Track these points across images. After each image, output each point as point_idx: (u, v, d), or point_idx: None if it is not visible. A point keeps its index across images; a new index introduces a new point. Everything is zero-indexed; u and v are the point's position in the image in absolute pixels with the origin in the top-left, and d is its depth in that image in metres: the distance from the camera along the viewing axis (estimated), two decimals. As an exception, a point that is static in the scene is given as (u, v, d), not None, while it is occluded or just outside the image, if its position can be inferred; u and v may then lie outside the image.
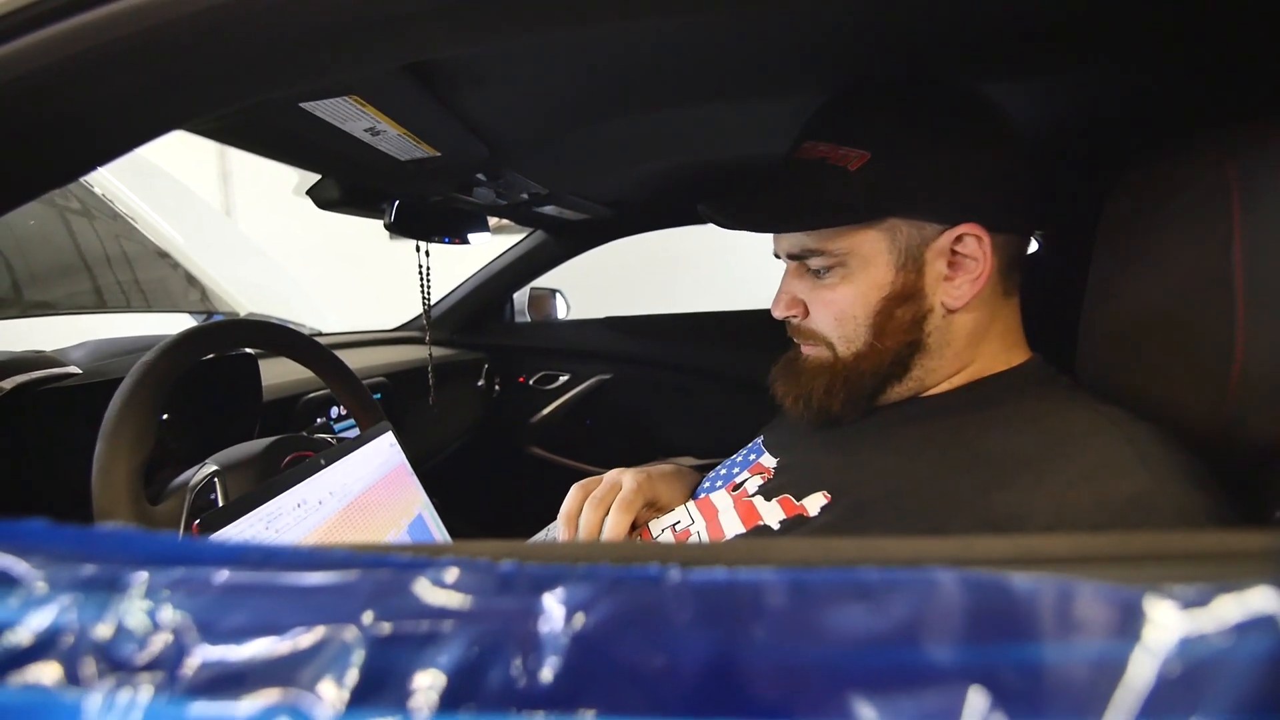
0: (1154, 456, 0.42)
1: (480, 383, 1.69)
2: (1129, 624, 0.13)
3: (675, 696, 0.14)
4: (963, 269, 0.51)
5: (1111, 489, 0.40)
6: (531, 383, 1.74)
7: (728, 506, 0.57)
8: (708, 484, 0.67)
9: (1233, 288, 0.42)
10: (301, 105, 0.55)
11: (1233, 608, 0.12)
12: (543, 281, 1.72)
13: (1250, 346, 0.42)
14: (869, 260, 0.51)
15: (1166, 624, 0.13)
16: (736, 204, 0.57)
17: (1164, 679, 0.12)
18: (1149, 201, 0.51)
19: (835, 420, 0.56)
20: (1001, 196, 0.51)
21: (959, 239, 0.50)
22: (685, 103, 0.76)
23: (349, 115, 0.59)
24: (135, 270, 1.55)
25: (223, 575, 0.18)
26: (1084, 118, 0.82)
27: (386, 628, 0.16)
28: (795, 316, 0.57)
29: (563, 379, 1.73)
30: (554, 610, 0.15)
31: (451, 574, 0.16)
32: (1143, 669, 0.12)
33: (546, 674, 0.14)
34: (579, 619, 0.15)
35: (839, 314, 0.53)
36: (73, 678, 0.17)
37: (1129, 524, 0.38)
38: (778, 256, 0.58)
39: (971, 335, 0.53)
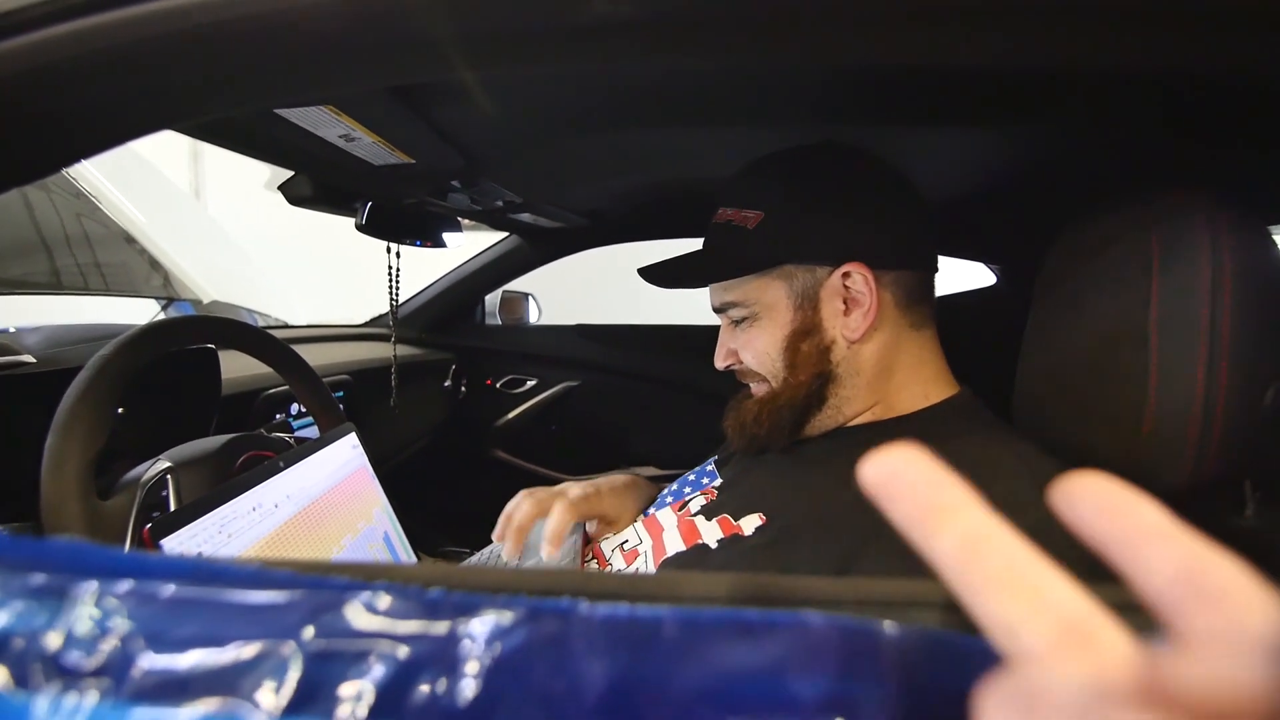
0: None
1: (447, 383, 1.69)
2: (964, 667, 0.15)
3: (578, 718, 0.15)
4: (856, 304, 0.57)
5: (1012, 522, 0.43)
6: (498, 386, 1.74)
7: (671, 525, 0.59)
8: (658, 501, 0.69)
9: (1149, 342, 0.46)
10: (276, 111, 0.56)
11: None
12: (516, 285, 1.72)
13: (1161, 399, 0.45)
14: (773, 306, 0.58)
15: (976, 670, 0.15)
16: (664, 267, 0.65)
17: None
18: (1083, 255, 0.54)
19: (763, 447, 0.62)
20: (882, 237, 0.57)
21: (846, 275, 0.56)
22: (661, 124, 0.78)
23: (323, 122, 0.59)
24: (95, 251, 1.51)
25: (170, 589, 0.19)
26: (1046, 163, 0.87)
27: (322, 644, 0.17)
28: (733, 364, 0.63)
29: (530, 383, 1.73)
30: (476, 635, 0.16)
31: (384, 600, 0.17)
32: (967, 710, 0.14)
33: (465, 693, 0.16)
34: (497, 645, 0.16)
35: (757, 355, 0.60)
36: (21, 681, 0.18)
37: None
38: (712, 310, 0.66)
39: (879, 365, 0.58)
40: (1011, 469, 0.47)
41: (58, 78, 0.34)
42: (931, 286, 0.62)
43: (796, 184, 0.58)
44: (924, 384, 0.59)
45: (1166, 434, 0.46)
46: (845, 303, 0.57)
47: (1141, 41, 0.31)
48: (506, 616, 0.16)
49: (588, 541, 0.67)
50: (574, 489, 0.66)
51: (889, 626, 0.16)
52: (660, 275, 0.64)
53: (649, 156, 0.96)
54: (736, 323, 0.61)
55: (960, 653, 0.16)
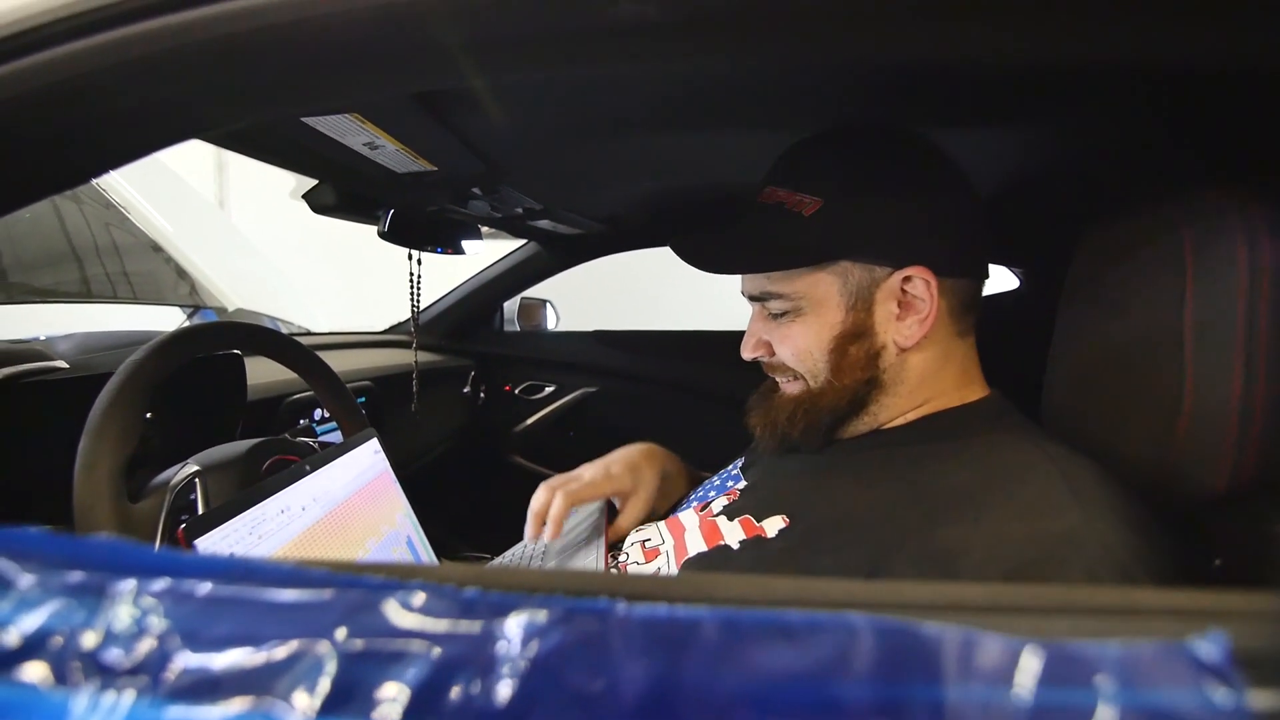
0: (1087, 494, 0.44)
1: (466, 389, 1.70)
2: (1010, 670, 0.14)
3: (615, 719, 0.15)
4: (912, 309, 0.54)
5: (1044, 525, 0.42)
6: (517, 392, 1.75)
7: (694, 526, 0.59)
8: (683, 504, 0.68)
9: (1183, 344, 0.45)
10: (303, 120, 0.57)
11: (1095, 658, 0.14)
12: (534, 292, 1.73)
13: (1197, 402, 0.44)
14: (821, 302, 0.55)
15: (1031, 673, 0.14)
16: (703, 245, 0.60)
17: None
18: (1111, 257, 0.53)
19: (793, 447, 0.59)
20: (948, 241, 0.54)
21: (907, 280, 0.53)
22: (680, 130, 0.78)
23: (349, 130, 0.60)
24: (124, 261, 1.55)
25: (206, 587, 0.19)
26: (1069, 163, 0.85)
27: (357, 644, 0.17)
28: (763, 356, 0.60)
29: (548, 389, 1.73)
30: (512, 635, 0.16)
31: (419, 598, 0.17)
32: (1018, 712, 0.14)
33: (502, 693, 0.16)
34: (534, 644, 0.16)
35: (797, 350, 0.56)
36: (61, 678, 0.18)
37: (1058, 559, 0.40)
38: (745, 296, 0.61)
39: (924, 373, 0.56)
40: (1044, 471, 0.46)
41: (88, 89, 0.35)
42: (981, 294, 0.59)
43: (860, 173, 0.54)
44: (960, 388, 0.57)
45: (1202, 437, 0.44)
46: (900, 306, 0.54)
47: (1161, 33, 0.30)
48: (542, 615, 0.16)
49: (616, 548, 0.67)
50: (587, 471, 0.68)
51: (932, 629, 0.15)
52: (698, 255, 0.59)
53: (668, 162, 0.96)
54: (775, 315, 0.57)
55: (1004, 656, 0.15)
